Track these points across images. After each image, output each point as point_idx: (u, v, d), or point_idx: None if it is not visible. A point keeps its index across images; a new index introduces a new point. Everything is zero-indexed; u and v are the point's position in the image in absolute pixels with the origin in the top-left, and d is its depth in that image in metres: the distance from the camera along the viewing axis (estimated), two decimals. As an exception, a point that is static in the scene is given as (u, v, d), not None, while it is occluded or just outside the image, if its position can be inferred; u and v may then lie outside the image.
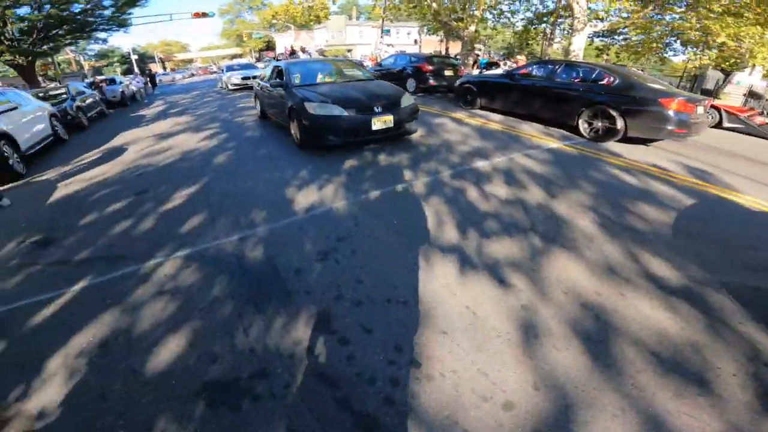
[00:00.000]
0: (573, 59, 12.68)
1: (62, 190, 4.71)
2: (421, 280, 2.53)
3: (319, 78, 6.22)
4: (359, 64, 8.58)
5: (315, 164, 4.83)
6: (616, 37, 16.17)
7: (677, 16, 11.47)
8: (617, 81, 6.05)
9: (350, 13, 51.14)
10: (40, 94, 9.59)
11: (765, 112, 10.26)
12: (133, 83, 17.89)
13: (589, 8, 11.89)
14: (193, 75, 45.62)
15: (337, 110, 4.83)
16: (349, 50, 44.62)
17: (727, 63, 12.70)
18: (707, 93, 15.45)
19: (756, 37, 9.02)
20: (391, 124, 5.08)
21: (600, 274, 2.56)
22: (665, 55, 15.29)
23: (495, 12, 15.10)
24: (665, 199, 3.84)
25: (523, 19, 15.85)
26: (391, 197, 3.81)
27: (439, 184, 4.11)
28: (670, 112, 5.52)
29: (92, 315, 2.37)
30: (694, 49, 12.71)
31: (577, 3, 11.44)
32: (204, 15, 24.65)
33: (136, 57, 39.96)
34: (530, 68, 7.68)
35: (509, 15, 15.32)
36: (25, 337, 2.25)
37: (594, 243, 2.95)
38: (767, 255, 2.91)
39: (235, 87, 15.48)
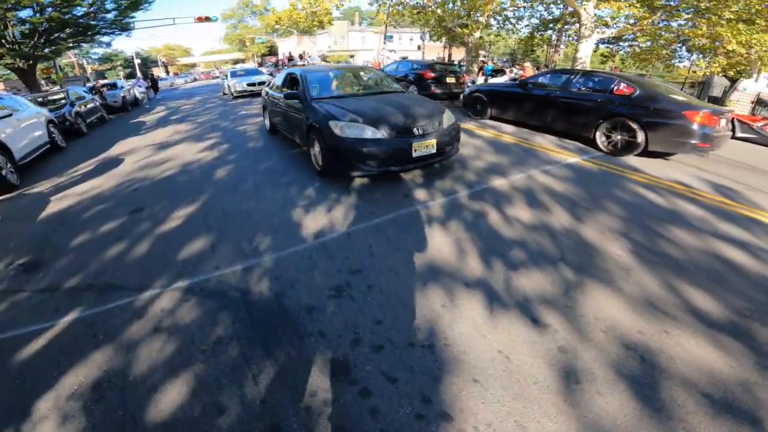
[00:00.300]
0: (580, 66, 12.51)
1: (55, 205, 4.45)
2: (446, 320, 2.28)
3: (339, 88, 5.38)
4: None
5: (321, 182, 4.55)
6: (621, 43, 16.05)
7: (686, 23, 11.27)
8: (638, 92, 5.79)
9: (353, 18, 51.32)
10: (39, 99, 9.37)
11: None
12: (135, 88, 17.69)
13: (596, 15, 11.70)
14: (195, 80, 45.59)
15: (370, 132, 3.97)
16: (352, 56, 44.68)
17: (735, 70, 12.47)
18: (714, 100, 15.25)
19: (767, 45, 8.79)
20: (434, 150, 4.17)
21: (640, 310, 2.36)
22: (673, 62, 15.05)
23: (500, 18, 14.94)
24: (696, 222, 3.62)
25: (527, 26, 15.73)
26: (407, 221, 3.54)
27: (457, 207, 3.85)
28: (695, 126, 5.25)
29: (83, 352, 2.16)
30: (701, 55, 12.47)
31: (585, 9, 11.25)
32: (207, 19, 24.53)
33: (139, 61, 39.90)
34: (544, 77, 7.44)
35: (514, 21, 15.16)
36: (12, 374, 2.04)
37: (630, 274, 2.72)
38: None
39: (240, 94, 14.76)
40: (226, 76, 16.56)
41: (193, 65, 66.27)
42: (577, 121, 6.40)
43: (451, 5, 13.75)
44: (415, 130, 4.10)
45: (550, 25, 14.78)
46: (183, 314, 2.42)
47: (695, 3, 10.00)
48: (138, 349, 2.15)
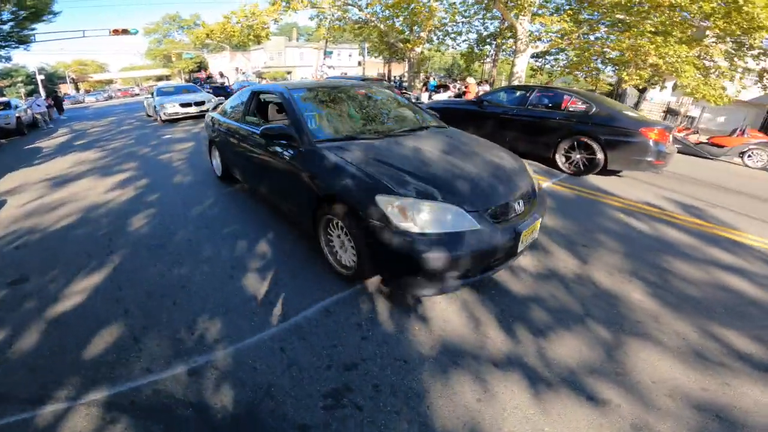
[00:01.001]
0: (516, 81, 12.91)
1: None
2: (487, 418, 1.73)
3: (356, 122, 3.48)
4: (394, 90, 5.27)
5: (277, 230, 3.66)
6: (547, 57, 17.03)
7: (606, 36, 12.03)
8: (594, 108, 5.71)
9: (290, 34, 50.23)
10: None
11: (698, 132, 11.04)
12: (33, 107, 15.07)
13: (530, 31, 12.17)
14: (111, 98, 41.34)
15: (459, 217, 2.17)
16: (289, 72, 43.59)
17: (647, 81, 13.61)
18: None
19: (682, 56, 9.57)
20: (537, 234, 2.71)
21: (692, 364, 2.10)
22: (598, 75, 16.22)
23: (440, 33, 15.08)
24: (687, 250, 3.48)
25: (465, 41, 16.08)
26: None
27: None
28: (651, 143, 5.24)
29: None
30: (615, 68, 13.39)
31: (521, 24, 11.63)
32: (125, 32, 22.04)
33: (42, 77, 35.02)
34: (499, 94, 7.24)
35: (454, 36, 15.39)
36: None
37: (661, 323, 2.41)
38: None
39: (171, 117, 11.80)
40: (152, 94, 13.48)
41: (109, 82, 60.23)
42: (537, 140, 6.20)
43: (393, 20, 13.55)
44: (516, 205, 2.48)
45: (488, 40, 15.22)
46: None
47: (615, 17, 10.74)
48: None
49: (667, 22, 9.80)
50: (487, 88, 13.86)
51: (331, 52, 29.28)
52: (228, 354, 2.10)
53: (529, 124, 6.29)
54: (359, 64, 27.67)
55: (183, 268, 3.01)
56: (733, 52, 11.03)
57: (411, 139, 3.10)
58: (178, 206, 4.39)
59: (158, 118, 12.13)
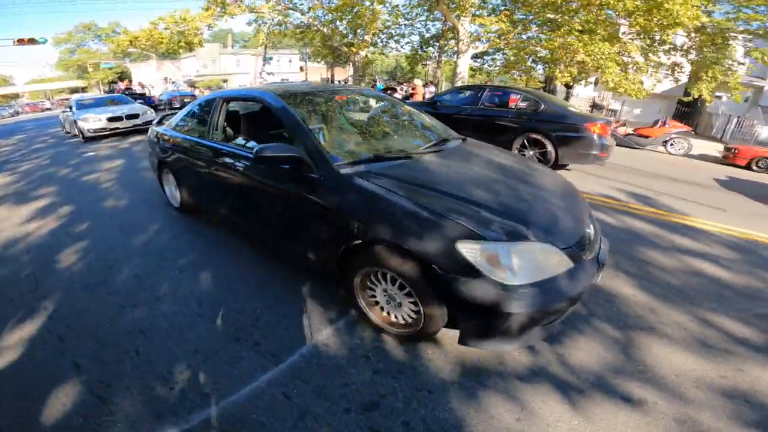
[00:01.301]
0: (460, 81, 13.30)
1: None
2: None
3: (378, 138, 3.00)
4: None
5: (246, 255, 3.25)
6: (485, 57, 17.84)
7: (536, 36, 12.75)
8: (543, 106, 5.97)
9: (225, 41, 47.93)
10: None
11: (626, 124, 12.12)
12: None
13: (470, 32, 12.59)
14: (18, 113, 36.53)
15: (561, 260, 1.81)
16: (225, 80, 41.62)
17: (575, 78, 14.71)
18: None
19: (606, 53, 10.29)
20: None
21: (701, 353, 2.17)
22: (531, 74, 17.17)
23: (384, 36, 15.14)
24: (655, 239, 3.69)
25: (408, 43, 16.32)
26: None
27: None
28: (595, 137, 5.58)
29: None
30: (546, 66, 14.21)
31: (462, 25, 11.98)
32: (32, 42, 19.48)
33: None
34: (452, 95, 7.33)
35: (398, 38, 15.53)
36: None
37: (659, 315, 2.50)
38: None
39: (97, 134, 10.16)
40: (70, 107, 11.54)
41: (15, 96, 53.20)
42: (492, 139, 6.30)
43: (337, 23, 13.32)
44: (589, 230, 2.14)
45: (431, 42, 15.54)
46: None
47: (546, 16, 11.40)
48: None
49: (593, 21, 10.53)
50: (432, 89, 14.13)
51: (270, 58, 28.35)
52: (224, 409, 1.75)
53: (483, 123, 6.42)
54: (301, 69, 27.03)
55: (137, 309, 2.53)
56: (647, 48, 12.20)
57: (447, 156, 2.57)
58: (115, 236, 3.77)
59: (80, 135, 10.46)
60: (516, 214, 1.91)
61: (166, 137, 3.95)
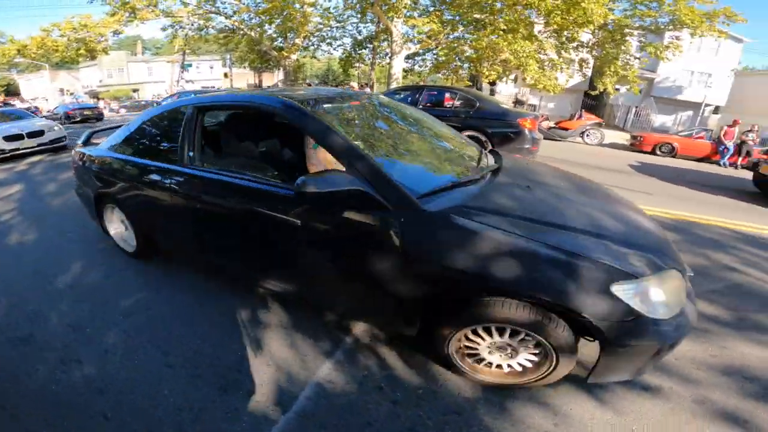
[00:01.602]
0: (395, 82, 13.55)
1: None
2: None
3: (443, 162, 2.34)
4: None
5: (206, 285, 2.83)
6: (416, 58, 18.38)
7: (468, 35, 13.37)
8: (478, 104, 6.27)
9: (134, 49, 43.62)
10: None
11: (548, 118, 13.25)
12: None
13: (403, 34, 12.87)
14: None
15: (685, 286, 1.71)
16: (135, 90, 38.05)
17: (499, 76, 15.72)
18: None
19: (527, 51, 11.02)
20: None
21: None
22: (458, 72, 17.98)
23: (316, 39, 14.86)
24: None
25: (341, 45, 16.18)
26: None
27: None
28: (527, 132, 6.00)
29: None
30: (471, 64, 14.89)
31: (395, 26, 12.18)
32: None
33: None
34: (390, 96, 7.38)
35: (330, 41, 15.34)
36: None
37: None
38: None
39: None
40: None
41: None
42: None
43: (266, 27, 12.74)
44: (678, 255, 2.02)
45: (364, 44, 15.56)
46: None
47: (473, 16, 12.01)
48: None
49: (515, 20, 11.17)
50: (368, 91, 14.19)
51: (189, 65, 26.39)
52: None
53: (424, 123, 6.57)
54: (225, 75, 25.45)
55: (84, 366, 2.03)
56: (560, 45, 13.41)
57: (511, 176, 2.18)
58: (28, 279, 3.04)
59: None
60: (631, 240, 1.69)
61: (107, 162, 2.96)
